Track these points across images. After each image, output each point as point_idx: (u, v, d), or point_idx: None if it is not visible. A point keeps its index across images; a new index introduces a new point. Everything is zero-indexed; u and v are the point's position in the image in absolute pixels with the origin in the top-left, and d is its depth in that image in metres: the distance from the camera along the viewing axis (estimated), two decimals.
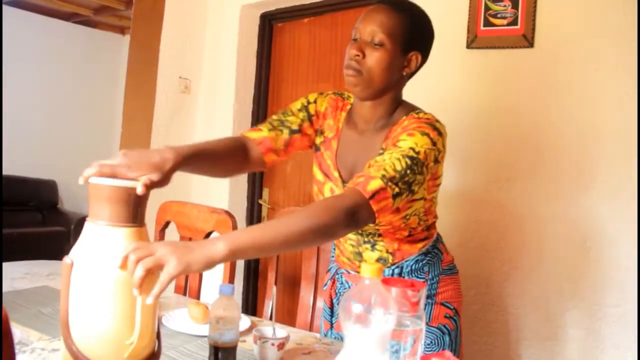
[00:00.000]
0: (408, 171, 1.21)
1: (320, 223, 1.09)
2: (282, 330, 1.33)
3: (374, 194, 1.15)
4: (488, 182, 2.24)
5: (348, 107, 1.50)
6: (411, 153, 1.22)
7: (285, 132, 1.48)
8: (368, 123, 1.42)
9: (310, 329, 1.85)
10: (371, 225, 1.32)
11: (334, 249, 1.63)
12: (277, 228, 1.07)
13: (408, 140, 1.25)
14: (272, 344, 1.25)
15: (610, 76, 2.01)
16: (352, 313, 0.86)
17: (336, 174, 1.45)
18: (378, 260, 1.45)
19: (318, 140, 1.52)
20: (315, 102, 1.53)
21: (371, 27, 1.32)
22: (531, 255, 2.16)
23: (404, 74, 1.38)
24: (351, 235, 1.46)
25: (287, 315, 2.95)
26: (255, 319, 1.64)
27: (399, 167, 1.20)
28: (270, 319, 1.37)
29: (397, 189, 1.19)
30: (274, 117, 1.52)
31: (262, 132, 1.47)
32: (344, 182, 1.42)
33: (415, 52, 1.36)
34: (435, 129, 1.29)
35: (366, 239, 1.44)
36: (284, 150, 1.49)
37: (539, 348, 2.14)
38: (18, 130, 5.52)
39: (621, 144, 1.98)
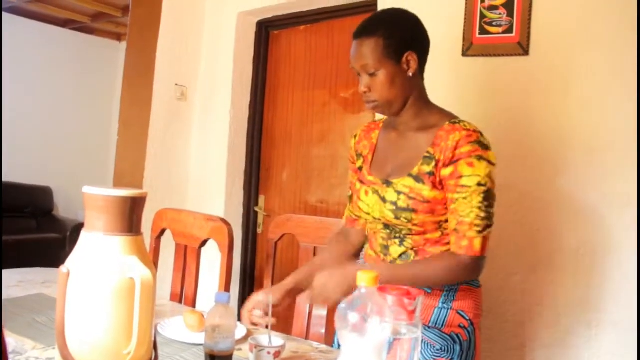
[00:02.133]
0: (489, 209, 1.38)
1: (451, 281, 1.42)
2: (278, 339, 1.32)
3: (482, 248, 1.38)
4: None
5: (381, 125, 1.64)
6: (481, 189, 1.37)
7: (349, 200, 1.67)
8: (407, 124, 1.52)
9: (307, 337, 1.84)
10: (405, 221, 1.44)
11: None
12: (419, 277, 1.39)
13: (472, 176, 1.37)
14: (268, 353, 1.25)
15: (605, 83, 2.02)
16: (349, 322, 0.86)
17: (370, 178, 1.54)
18: (401, 255, 1.49)
19: (359, 162, 1.64)
20: (350, 151, 1.71)
21: (359, 63, 1.43)
22: (526, 262, 2.16)
23: (411, 75, 1.45)
24: (383, 230, 1.53)
25: (283, 323, 2.94)
26: (251, 327, 1.64)
27: (483, 215, 1.37)
28: (267, 327, 1.37)
29: (489, 228, 1.39)
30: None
31: (344, 216, 1.74)
32: (382, 180, 1.51)
33: (407, 53, 1.43)
34: (485, 147, 1.41)
35: (397, 235, 1.50)
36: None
37: (536, 355, 2.14)
38: (13, 137, 5.51)
39: (616, 151, 1.99)
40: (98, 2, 5.32)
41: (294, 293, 1.55)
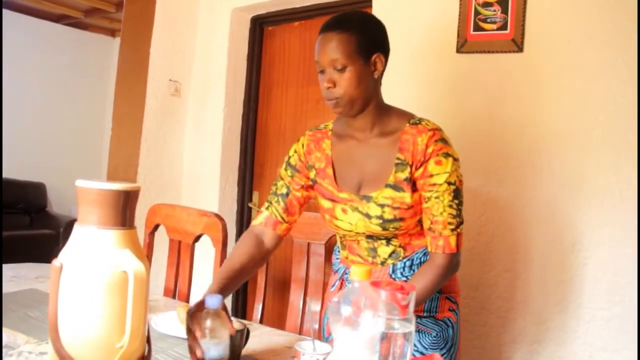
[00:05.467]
0: (459, 206, 1.41)
1: (442, 283, 1.43)
2: (323, 346, 1.25)
3: (457, 245, 1.41)
4: (478, 186, 2.25)
5: (329, 133, 1.57)
6: (451, 189, 1.39)
7: (280, 200, 1.58)
8: (364, 131, 1.48)
9: (300, 332, 1.84)
10: (393, 230, 1.44)
11: (338, 251, 1.65)
12: (420, 293, 1.35)
13: (440, 174, 1.38)
14: None
15: (598, 80, 2.02)
16: (341, 316, 0.86)
17: (343, 195, 1.49)
18: (391, 254, 1.49)
19: (312, 174, 1.57)
20: (295, 152, 1.61)
21: (328, 57, 1.39)
22: (520, 258, 2.17)
23: (376, 77, 1.43)
24: (366, 239, 1.52)
25: (277, 318, 2.94)
26: (245, 322, 1.64)
27: (454, 212, 1.39)
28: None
29: (462, 225, 1.42)
30: (270, 192, 1.62)
31: (262, 213, 1.59)
32: (358, 195, 1.47)
33: (376, 54, 1.41)
34: (446, 142, 1.41)
35: (382, 238, 1.49)
36: (289, 214, 1.58)
37: (528, 351, 2.15)
38: (6, 132, 5.47)
39: (609, 148, 2.00)
40: None
41: (225, 296, 1.46)
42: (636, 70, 1.94)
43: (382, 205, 1.42)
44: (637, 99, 1.94)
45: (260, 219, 1.58)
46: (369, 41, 1.40)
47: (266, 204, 1.59)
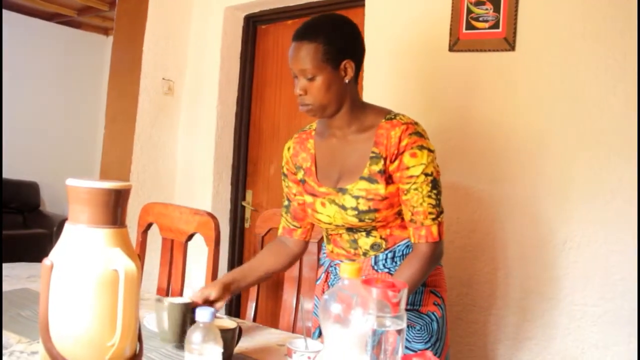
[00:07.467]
0: (438, 196, 1.45)
1: (428, 272, 1.46)
2: (315, 345, 1.26)
3: (439, 234, 1.45)
4: (470, 183, 2.25)
5: (313, 133, 1.64)
6: (428, 180, 1.43)
7: (286, 210, 1.69)
8: (342, 129, 1.54)
9: (293, 330, 1.85)
10: (369, 221, 1.47)
11: (325, 245, 1.67)
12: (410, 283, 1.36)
13: (417, 166, 1.42)
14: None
15: (590, 78, 2.03)
16: (332, 313, 0.86)
17: (323, 189, 1.54)
18: (372, 245, 1.52)
19: (299, 175, 1.63)
20: (285, 162, 1.69)
21: (298, 66, 1.46)
22: (512, 256, 2.18)
23: (347, 82, 1.47)
24: (346, 232, 1.55)
25: (270, 317, 2.94)
26: (238, 320, 1.64)
27: (434, 202, 1.43)
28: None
29: (443, 213, 1.46)
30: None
31: (280, 225, 1.72)
32: (335, 188, 1.52)
33: (345, 61, 1.45)
34: (421, 135, 1.45)
35: (361, 230, 1.52)
36: (298, 220, 1.67)
37: (519, 348, 2.16)
38: None
39: (601, 146, 2.01)
40: None
41: (232, 288, 1.52)
42: (634, 68, 1.95)
43: (356, 197, 1.46)
44: (637, 97, 1.94)
45: (280, 231, 1.72)
46: (337, 49, 1.43)
47: (281, 218, 1.72)
